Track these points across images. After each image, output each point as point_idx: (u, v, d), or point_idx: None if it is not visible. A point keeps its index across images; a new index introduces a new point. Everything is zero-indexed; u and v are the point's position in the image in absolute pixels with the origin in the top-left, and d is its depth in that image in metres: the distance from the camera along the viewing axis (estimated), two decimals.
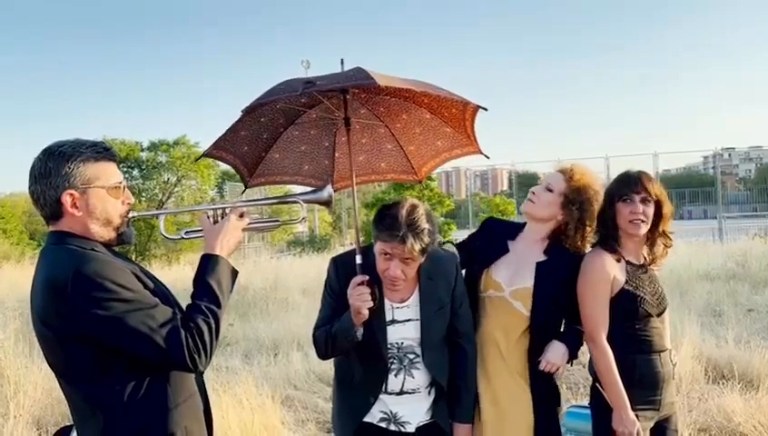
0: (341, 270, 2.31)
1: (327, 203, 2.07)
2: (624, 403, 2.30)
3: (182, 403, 1.73)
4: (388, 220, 2.11)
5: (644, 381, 2.34)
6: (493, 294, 2.41)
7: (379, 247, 2.16)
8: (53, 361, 1.70)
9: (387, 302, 2.26)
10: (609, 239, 2.39)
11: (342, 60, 2.32)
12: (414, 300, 2.27)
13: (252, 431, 4.19)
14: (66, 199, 1.67)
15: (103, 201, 1.71)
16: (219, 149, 2.43)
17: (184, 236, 1.98)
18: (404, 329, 2.27)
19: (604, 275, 2.35)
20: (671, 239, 2.43)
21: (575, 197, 2.39)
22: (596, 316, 2.35)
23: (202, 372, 1.79)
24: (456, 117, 2.58)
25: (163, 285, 1.83)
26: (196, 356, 1.63)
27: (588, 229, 2.43)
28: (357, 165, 2.64)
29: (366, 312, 2.11)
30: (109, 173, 1.73)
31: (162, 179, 22.43)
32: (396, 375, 2.27)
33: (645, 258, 2.44)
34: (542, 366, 2.34)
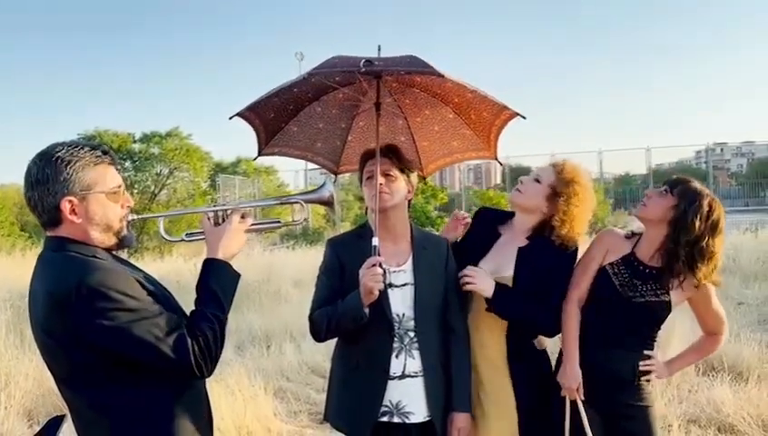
0: (341, 250, 2.37)
1: (328, 203, 2.07)
2: (572, 357, 2.34)
3: (187, 410, 1.73)
4: (363, 155, 2.42)
5: (596, 373, 2.34)
6: None
7: (364, 177, 2.38)
8: (55, 368, 1.67)
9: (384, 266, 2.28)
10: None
11: (379, 46, 2.32)
12: (409, 265, 2.35)
13: (245, 422, 4.20)
14: (65, 206, 1.63)
15: (102, 206, 1.68)
16: (251, 111, 2.45)
17: (185, 239, 1.96)
18: (401, 294, 2.30)
19: (601, 245, 2.44)
20: (694, 271, 2.25)
21: (562, 189, 2.39)
22: (576, 277, 2.42)
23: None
24: (484, 121, 2.59)
25: (166, 289, 1.81)
26: (202, 363, 1.64)
27: (576, 223, 2.38)
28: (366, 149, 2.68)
29: (377, 293, 2.15)
30: (108, 177, 1.70)
31: (155, 171, 22.30)
32: (397, 356, 2.28)
33: (665, 264, 2.31)
34: (463, 273, 2.33)
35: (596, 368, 2.35)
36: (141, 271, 1.79)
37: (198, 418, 1.78)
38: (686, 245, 2.24)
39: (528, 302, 2.35)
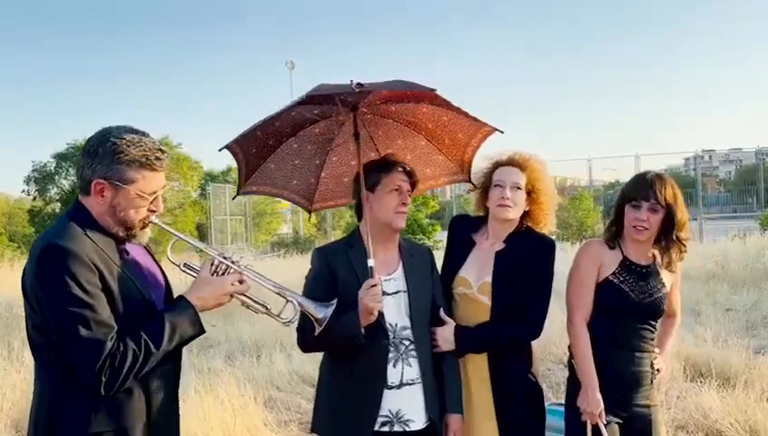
0: (332, 258, 2.35)
1: (318, 321, 2.02)
2: (591, 382, 2.34)
3: (103, 411, 1.67)
4: (385, 160, 2.42)
5: (613, 377, 2.36)
6: (462, 291, 2.46)
7: (388, 184, 2.35)
8: (27, 323, 1.73)
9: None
10: (613, 233, 2.47)
11: (351, 80, 2.27)
12: (399, 273, 2.37)
13: (234, 432, 4.18)
14: (96, 186, 1.72)
15: (128, 203, 1.74)
16: (237, 144, 2.44)
17: (181, 268, 1.93)
18: (395, 302, 2.31)
19: (591, 259, 2.45)
20: (684, 247, 2.43)
21: (535, 186, 2.44)
22: (576, 298, 2.43)
23: (106, 395, 1.66)
24: (459, 143, 2.62)
25: (143, 295, 1.77)
26: (104, 378, 1.61)
27: (549, 209, 2.48)
28: (341, 186, 2.74)
29: (376, 314, 2.16)
30: (148, 182, 1.75)
31: None
32: (394, 365, 2.28)
33: (656, 259, 2.45)
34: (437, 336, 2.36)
35: (613, 374, 2.37)
36: (127, 263, 1.77)
37: (127, 414, 1.71)
38: (680, 237, 2.40)
39: (496, 326, 2.38)
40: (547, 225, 2.50)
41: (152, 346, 1.67)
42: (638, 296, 2.40)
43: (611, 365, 2.38)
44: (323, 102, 2.43)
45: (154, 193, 1.77)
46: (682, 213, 2.39)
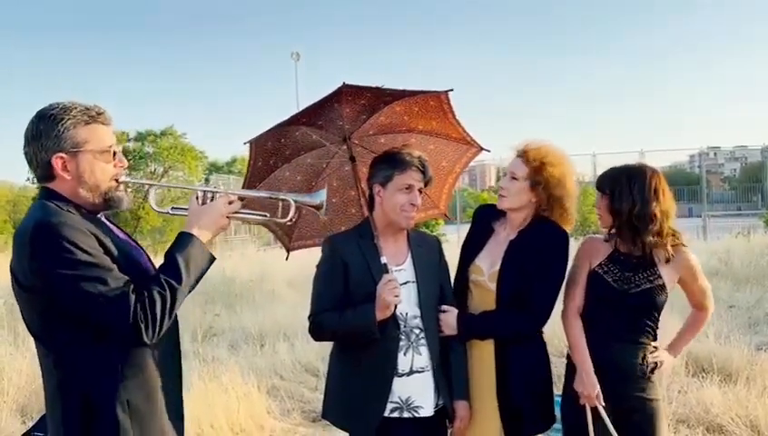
0: (343, 248, 2.35)
1: (318, 208, 2.07)
2: (586, 365, 2.38)
3: (130, 377, 1.69)
4: (401, 157, 2.34)
5: (604, 367, 2.38)
6: (475, 279, 2.49)
7: (399, 182, 2.32)
8: (25, 316, 1.72)
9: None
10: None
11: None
12: (408, 263, 2.39)
13: (238, 419, 4.22)
14: (57, 163, 1.69)
15: (91, 164, 1.72)
16: (255, 144, 2.44)
17: (170, 212, 1.95)
18: (405, 292, 2.31)
19: (584, 253, 2.51)
20: (654, 237, 2.34)
21: (537, 178, 2.40)
22: (568, 288, 2.48)
23: (148, 344, 1.69)
24: (442, 171, 2.69)
25: (137, 255, 1.80)
26: (142, 325, 1.60)
27: (566, 203, 2.44)
28: (318, 224, 2.75)
29: (392, 308, 2.19)
30: (99, 136, 1.73)
31: (149, 169, 22.29)
32: (405, 354, 2.30)
33: (648, 251, 2.40)
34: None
35: (605, 364, 2.39)
36: (112, 233, 1.77)
37: (144, 390, 1.72)
38: (630, 219, 2.34)
39: (498, 315, 2.40)
40: (565, 217, 2.45)
41: (174, 283, 1.67)
42: (621, 287, 2.39)
43: (603, 358, 2.39)
44: (325, 126, 2.46)
45: (110, 146, 1.75)
46: (631, 203, 2.33)
